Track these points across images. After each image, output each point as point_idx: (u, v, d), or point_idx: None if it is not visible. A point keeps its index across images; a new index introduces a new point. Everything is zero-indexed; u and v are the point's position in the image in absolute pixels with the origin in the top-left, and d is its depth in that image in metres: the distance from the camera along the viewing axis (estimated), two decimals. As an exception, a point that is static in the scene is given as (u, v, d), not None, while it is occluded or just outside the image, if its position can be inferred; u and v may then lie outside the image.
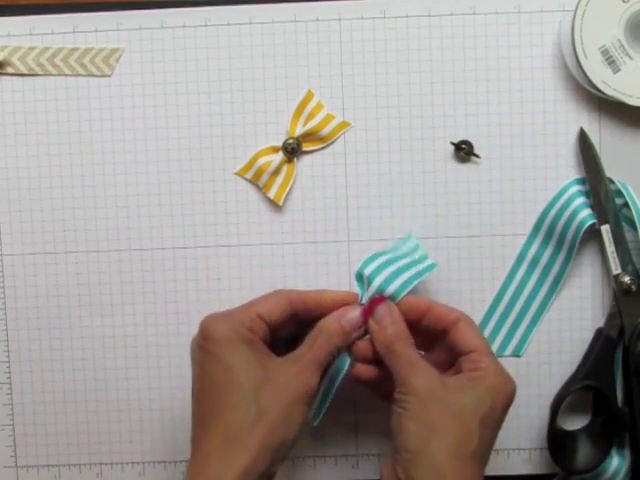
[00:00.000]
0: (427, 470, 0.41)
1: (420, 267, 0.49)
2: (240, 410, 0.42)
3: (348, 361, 0.48)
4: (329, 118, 0.55)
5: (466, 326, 0.47)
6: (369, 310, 0.47)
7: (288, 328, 0.48)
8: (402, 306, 0.47)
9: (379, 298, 0.47)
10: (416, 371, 0.44)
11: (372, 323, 0.47)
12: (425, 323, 0.48)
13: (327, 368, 0.48)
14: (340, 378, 0.49)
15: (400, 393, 0.44)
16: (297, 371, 0.44)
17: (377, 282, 0.48)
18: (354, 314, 0.47)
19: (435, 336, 0.48)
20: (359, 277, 0.49)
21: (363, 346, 0.48)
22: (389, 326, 0.46)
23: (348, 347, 0.48)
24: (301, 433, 0.44)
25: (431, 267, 0.49)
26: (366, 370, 0.48)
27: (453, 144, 0.54)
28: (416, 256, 0.51)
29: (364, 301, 0.48)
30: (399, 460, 0.43)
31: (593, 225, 0.53)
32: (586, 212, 0.53)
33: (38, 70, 0.55)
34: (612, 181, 0.53)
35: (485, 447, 0.44)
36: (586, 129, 0.54)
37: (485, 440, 0.43)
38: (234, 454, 0.41)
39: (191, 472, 0.42)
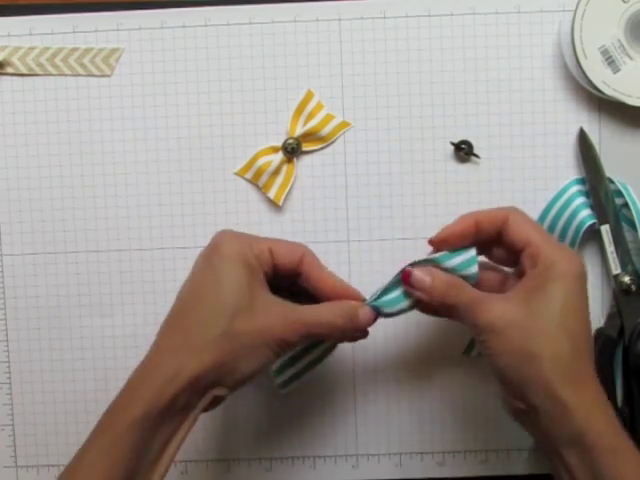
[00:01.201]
0: (540, 396, 0.41)
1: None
2: (210, 323, 0.42)
3: (334, 348, 0.48)
4: (329, 118, 0.55)
5: (515, 222, 0.45)
6: (405, 280, 0.45)
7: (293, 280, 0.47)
8: (448, 234, 0.46)
9: (408, 271, 0.45)
10: (479, 310, 0.43)
11: (415, 292, 0.45)
12: (481, 235, 0.46)
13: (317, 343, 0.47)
14: (323, 360, 0.49)
15: (478, 335, 0.43)
16: (282, 318, 0.43)
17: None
18: (369, 313, 0.45)
19: (497, 242, 0.46)
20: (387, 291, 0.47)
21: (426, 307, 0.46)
22: (429, 286, 0.44)
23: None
24: (257, 374, 0.43)
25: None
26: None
27: (453, 144, 0.54)
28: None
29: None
30: (510, 391, 0.43)
31: (593, 225, 0.53)
32: (586, 212, 0.53)
33: (38, 70, 0.55)
34: (612, 181, 0.53)
35: (585, 342, 0.42)
36: (586, 129, 0.54)
37: (582, 335, 0.42)
38: (188, 359, 0.41)
39: (142, 367, 0.42)
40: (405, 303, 0.46)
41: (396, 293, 0.46)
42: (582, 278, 0.43)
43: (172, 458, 0.42)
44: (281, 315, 0.43)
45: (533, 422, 0.43)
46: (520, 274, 0.45)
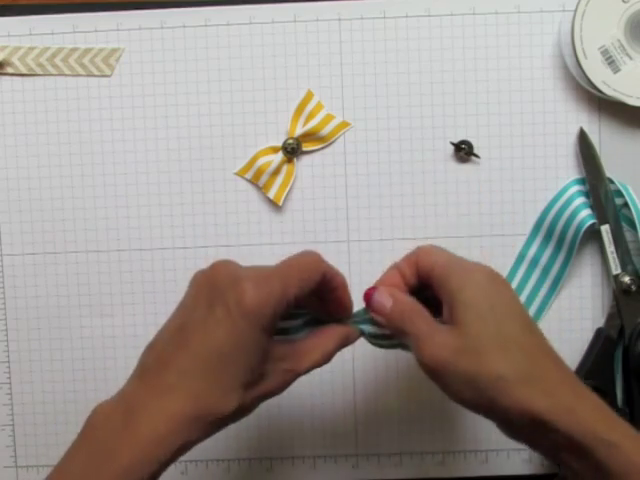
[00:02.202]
0: (519, 416, 0.38)
1: None
2: (226, 397, 0.38)
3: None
4: (329, 118, 0.55)
5: (422, 254, 0.43)
6: (366, 301, 0.44)
7: None
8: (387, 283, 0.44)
9: (368, 292, 0.44)
10: (422, 346, 0.40)
11: (373, 315, 0.43)
12: (410, 280, 0.44)
13: None
14: None
15: (430, 376, 0.41)
16: (280, 379, 0.40)
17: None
18: (354, 339, 0.44)
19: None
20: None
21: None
22: (388, 312, 0.42)
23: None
24: None
25: None
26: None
27: (453, 144, 0.54)
28: None
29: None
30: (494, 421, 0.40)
31: (593, 225, 0.53)
32: (586, 212, 0.53)
33: (38, 70, 0.55)
34: (612, 181, 0.53)
35: (535, 345, 0.39)
36: (586, 129, 0.54)
37: (529, 340, 0.39)
38: (196, 434, 0.38)
39: (143, 412, 0.38)
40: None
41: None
42: (490, 276, 0.40)
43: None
44: (282, 375, 0.40)
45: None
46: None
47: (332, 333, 0.43)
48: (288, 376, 0.41)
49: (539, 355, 0.39)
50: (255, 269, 0.40)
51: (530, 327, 0.40)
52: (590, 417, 0.37)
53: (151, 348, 0.40)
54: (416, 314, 0.41)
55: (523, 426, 0.38)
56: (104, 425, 0.39)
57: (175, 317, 0.41)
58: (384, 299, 0.42)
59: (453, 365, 0.39)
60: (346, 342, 0.44)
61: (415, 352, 0.41)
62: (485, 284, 0.40)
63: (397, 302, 0.42)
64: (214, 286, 0.39)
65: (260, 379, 0.40)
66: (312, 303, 0.43)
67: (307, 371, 0.42)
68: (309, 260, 0.41)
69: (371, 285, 0.44)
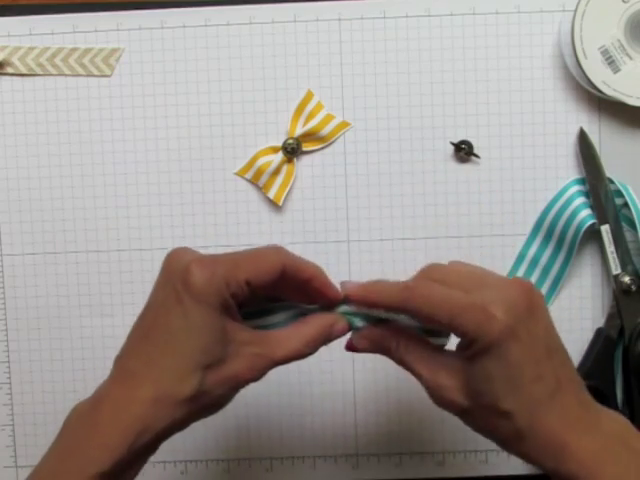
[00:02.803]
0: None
1: None
2: (181, 381, 0.38)
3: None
4: (329, 118, 0.55)
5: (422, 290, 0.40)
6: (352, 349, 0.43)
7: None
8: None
9: (349, 342, 0.43)
10: (431, 393, 0.40)
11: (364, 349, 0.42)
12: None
13: None
14: None
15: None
16: (250, 362, 0.40)
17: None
18: (343, 329, 0.42)
19: None
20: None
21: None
22: (370, 283, 0.42)
23: None
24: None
25: None
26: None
27: (453, 144, 0.54)
28: None
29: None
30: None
31: (593, 225, 0.53)
32: (586, 212, 0.53)
33: (38, 70, 0.55)
34: (612, 181, 0.53)
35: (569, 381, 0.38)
36: (586, 129, 0.54)
37: (535, 355, 0.38)
38: (159, 417, 0.38)
39: (106, 406, 0.39)
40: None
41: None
42: (529, 300, 0.38)
43: None
44: (249, 358, 0.40)
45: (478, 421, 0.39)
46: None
47: (313, 321, 0.42)
48: (259, 361, 0.40)
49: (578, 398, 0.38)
50: (208, 254, 0.40)
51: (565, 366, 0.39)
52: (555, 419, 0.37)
53: (124, 343, 0.41)
54: (406, 350, 0.41)
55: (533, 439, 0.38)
56: (75, 421, 0.40)
57: (143, 308, 0.42)
58: (362, 345, 0.42)
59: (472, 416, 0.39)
60: (331, 331, 0.42)
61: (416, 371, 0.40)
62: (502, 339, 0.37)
63: (374, 343, 0.42)
64: (167, 272, 0.41)
65: (222, 362, 0.39)
66: (296, 296, 0.42)
67: (286, 359, 0.41)
68: (267, 251, 0.41)
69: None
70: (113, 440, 0.38)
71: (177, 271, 0.39)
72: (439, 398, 0.40)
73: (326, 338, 0.42)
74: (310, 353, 0.42)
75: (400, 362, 0.41)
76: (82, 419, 0.40)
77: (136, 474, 0.40)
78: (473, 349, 0.38)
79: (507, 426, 0.38)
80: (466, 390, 0.39)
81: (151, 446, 0.40)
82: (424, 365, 0.40)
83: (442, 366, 0.40)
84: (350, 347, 0.43)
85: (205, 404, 0.40)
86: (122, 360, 0.40)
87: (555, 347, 0.39)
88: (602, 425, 0.38)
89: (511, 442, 0.38)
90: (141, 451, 0.39)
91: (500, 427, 0.38)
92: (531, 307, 0.38)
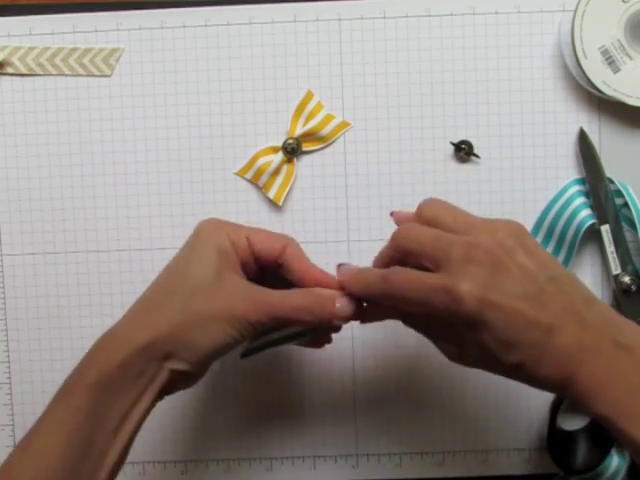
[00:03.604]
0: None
1: None
2: (168, 295, 0.43)
3: (312, 334, 0.46)
4: (329, 118, 0.55)
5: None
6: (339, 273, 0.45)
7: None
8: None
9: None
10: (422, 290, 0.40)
11: (346, 283, 0.44)
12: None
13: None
14: (291, 341, 0.47)
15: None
16: (246, 298, 0.43)
17: None
18: (348, 303, 0.44)
19: None
20: None
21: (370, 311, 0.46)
22: (355, 273, 0.44)
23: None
24: (217, 353, 0.43)
25: None
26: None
27: (453, 144, 0.54)
28: None
29: None
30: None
31: (593, 225, 0.53)
32: (586, 212, 0.53)
33: (38, 70, 0.55)
34: (612, 181, 0.53)
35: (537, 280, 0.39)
36: (586, 129, 0.54)
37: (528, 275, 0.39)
38: (142, 327, 0.42)
39: (107, 332, 0.44)
40: None
41: None
42: (515, 231, 0.40)
43: (134, 430, 0.42)
44: (246, 296, 0.43)
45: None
46: None
47: (307, 290, 0.44)
48: (264, 307, 0.43)
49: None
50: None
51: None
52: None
53: None
54: (403, 276, 0.41)
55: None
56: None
57: None
58: (350, 267, 0.46)
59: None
60: (326, 304, 0.44)
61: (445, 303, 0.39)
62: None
63: (358, 270, 0.45)
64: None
65: (212, 288, 0.43)
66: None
67: (291, 312, 0.43)
68: (277, 233, 0.46)
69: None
70: (95, 356, 0.42)
71: (194, 229, 0.46)
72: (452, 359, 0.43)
73: (324, 304, 0.44)
74: (308, 313, 0.43)
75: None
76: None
77: (139, 402, 0.42)
78: (457, 327, 0.39)
79: (514, 370, 0.39)
80: (469, 353, 0.41)
81: (144, 368, 0.42)
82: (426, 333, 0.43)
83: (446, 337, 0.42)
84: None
85: (192, 324, 0.42)
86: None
87: (540, 284, 0.39)
88: (603, 347, 0.38)
89: (519, 377, 0.40)
90: (130, 370, 0.41)
91: (509, 372, 0.40)
92: (499, 262, 0.38)
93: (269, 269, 0.46)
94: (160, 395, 0.43)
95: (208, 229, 0.45)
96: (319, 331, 0.46)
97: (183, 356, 0.42)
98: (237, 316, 0.42)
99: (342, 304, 0.44)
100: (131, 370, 0.41)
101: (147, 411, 0.42)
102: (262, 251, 0.45)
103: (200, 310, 0.42)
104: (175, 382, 0.43)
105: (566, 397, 0.40)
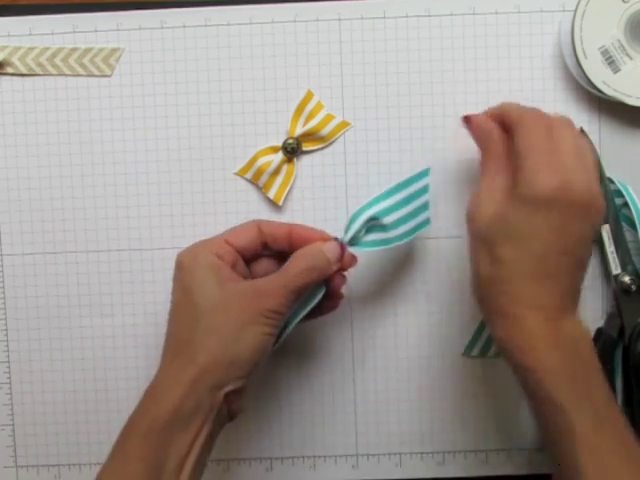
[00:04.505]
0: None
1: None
2: (190, 326, 0.43)
3: (322, 292, 0.48)
4: (329, 118, 0.55)
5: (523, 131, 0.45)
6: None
7: (266, 262, 0.49)
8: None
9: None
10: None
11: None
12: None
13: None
14: (309, 309, 0.48)
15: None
16: (257, 293, 0.44)
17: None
18: (334, 245, 0.47)
19: None
20: (352, 220, 0.49)
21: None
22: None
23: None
24: (261, 355, 0.44)
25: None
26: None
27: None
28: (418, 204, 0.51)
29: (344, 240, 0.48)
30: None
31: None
32: (586, 212, 0.53)
33: (38, 70, 0.55)
34: (612, 181, 0.53)
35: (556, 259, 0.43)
36: (586, 129, 0.54)
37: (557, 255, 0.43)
38: (181, 366, 0.42)
39: (148, 387, 0.44)
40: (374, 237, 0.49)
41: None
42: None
43: (198, 463, 0.42)
44: (257, 291, 0.44)
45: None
46: None
47: (298, 253, 0.46)
48: (277, 291, 0.44)
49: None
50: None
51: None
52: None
53: None
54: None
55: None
56: None
57: None
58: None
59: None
60: (320, 247, 0.47)
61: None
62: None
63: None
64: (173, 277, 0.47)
65: (228, 303, 0.44)
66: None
67: (300, 278, 0.45)
68: (245, 222, 0.49)
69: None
70: (146, 404, 0.43)
71: (175, 265, 0.47)
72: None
73: (322, 260, 0.46)
74: (315, 270, 0.46)
75: None
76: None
77: (199, 436, 0.43)
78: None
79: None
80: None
81: (198, 404, 0.42)
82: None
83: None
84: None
85: (227, 340, 0.42)
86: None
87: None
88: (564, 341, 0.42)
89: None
90: (183, 410, 0.42)
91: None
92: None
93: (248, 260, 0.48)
94: (221, 423, 0.44)
95: (186, 255, 0.46)
96: (328, 288, 0.48)
97: (233, 375, 0.43)
98: (262, 312, 0.43)
99: (329, 250, 0.47)
100: (184, 409, 0.41)
101: (209, 442, 0.43)
102: (244, 244, 0.47)
103: (227, 325, 0.43)
104: (232, 402, 0.44)
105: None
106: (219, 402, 0.43)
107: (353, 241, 0.49)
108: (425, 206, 0.50)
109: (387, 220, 0.49)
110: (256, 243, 0.48)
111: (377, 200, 0.49)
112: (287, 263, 0.46)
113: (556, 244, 0.42)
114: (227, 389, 0.43)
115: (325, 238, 0.48)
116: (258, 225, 0.48)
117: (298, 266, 0.45)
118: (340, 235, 0.48)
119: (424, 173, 0.50)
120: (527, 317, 0.41)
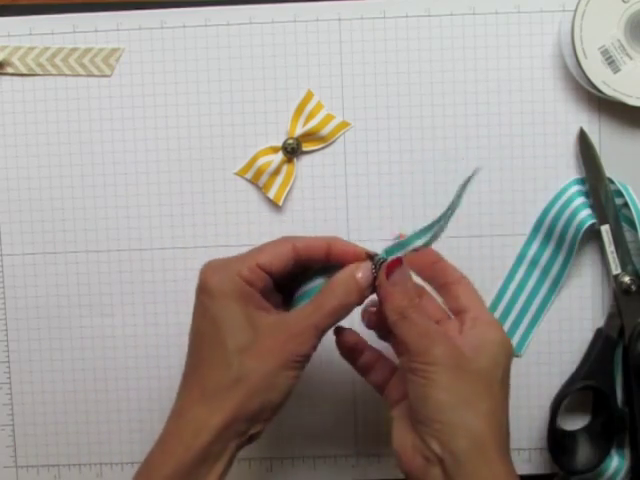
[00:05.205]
0: (467, 442, 0.40)
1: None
2: (220, 370, 0.41)
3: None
4: (329, 118, 0.55)
5: (468, 286, 0.45)
6: (388, 270, 0.43)
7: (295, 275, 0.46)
8: (411, 257, 0.45)
9: (397, 260, 0.43)
10: (437, 340, 0.41)
11: (387, 285, 0.42)
12: (428, 275, 0.45)
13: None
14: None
15: (420, 363, 0.41)
16: (289, 335, 0.41)
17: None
18: (368, 268, 0.43)
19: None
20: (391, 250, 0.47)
21: (367, 315, 0.46)
22: (405, 291, 0.42)
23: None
24: (289, 395, 0.42)
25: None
26: (352, 336, 0.46)
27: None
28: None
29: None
30: (429, 432, 0.40)
31: (593, 225, 0.53)
32: (586, 212, 0.53)
33: (38, 70, 0.55)
34: (612, 181, 0.53)
35: (505, 409, 0.43)
36: (586, 129, 0.54)
37: (505, 402, 0.43)
38: (210, 412, 0.41)
39: (169, 423, 0.42)
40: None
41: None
42: (511, 351, 0.44)
43: None
44: (288, 333, 0.41)
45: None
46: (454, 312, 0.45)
47: (335, 280, 0.43)
48: (309, 332, 0.42)
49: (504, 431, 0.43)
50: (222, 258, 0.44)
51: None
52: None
53: None
54: (423, 310, 0.43)
55: (452, 464, 0.41)
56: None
57: None
58: (407, 279, 0.43)
59: (452, 370, 0.41)
60: (356, 287, 0.43)
61: (419, 342, 0.41)
62: (506, 352, 0.43)
63: (412, 289, 0.43)
64: (196, 290, 0.44)
65: (254, 343, 0.41)
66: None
67: (332, 318, 0.42)
68: (275, 239, 0.45)
69: None
70: (171, 445, 0.41)
71: (199, 281, 0.43)
72: None
73: (356, 288, 0.43)
74: (347, 306, 0.43)
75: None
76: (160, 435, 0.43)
77: (219, 478, 0.41)
78: None
79: None
80: None
81: (223, 447, 0.41)
82: None
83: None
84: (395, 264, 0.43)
85: (257, 387, 0.41)
86: (182, 379, 0.44)
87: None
88: None
89: None
90: (209, 455, 0.40)
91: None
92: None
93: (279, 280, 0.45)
94: (240, 449, 0.43)
95: (214, 278, 0.42)
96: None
97: (262, 419, 0.42)
98: (295, 357, 0.41)
99: (364, 275, 0.43)
100: (212, 453, 0.41)
101: (227, 470, 0.42)
102: (278, 268, 0.43)
103: (258, 372, 0.41)
104: (255, 436, 0.43)
105: None
106: (245, 441, 0.42)
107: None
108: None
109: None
110: (290, 264, 0.43)
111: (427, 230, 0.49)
112: (319, 295, 0.43)
113: None
114: (254, 431, 0.42)
115: (361, 255, 0.44)
116: (293, 243, 0.43)
117: (330, 304, 0.42)
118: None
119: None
120: None
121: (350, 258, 0.44)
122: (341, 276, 0.43)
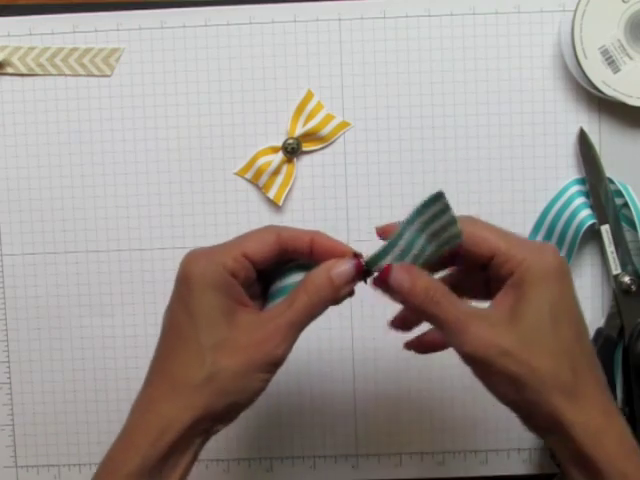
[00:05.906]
0: (545, 419, 0.38)
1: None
2: (192, 366, 0.40)
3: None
4: (329, 118, 0.55)
5: (471, 234, 0.41)
6: (381, 281, 0.41)
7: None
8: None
9: (387, 268, 0.41)
10: (464, 339, 0.38)
11: (391, 294, 0.41)
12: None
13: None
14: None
15: (466, 363, 0.40)
16: (264, 335, 0.40)
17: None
18: (346, 266, 0.41)
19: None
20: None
21: (397, 320, 0.44)
22: (414, 283, 0.40)
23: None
24: (256, 399, 0.42)
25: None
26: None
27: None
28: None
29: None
30: (516, 413, 0.40)
31: (593, 225, 0.53)
32: (586, 212, 0.53)
33: (38, 70, 0.55)
34: (612, 181, 0.53)
35: (582, 354, 0.39)
36: (586, 129, 0.54)
37: (579, 346, 0.39)
38: (179, 409, 0.39)
39: (134, 416, 0.41)
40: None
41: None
42: (563, 272, 0.39)
43: None
44: (264, 333, 0.40)
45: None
46: (494, 282, 0.41)
47: (309, 277, 0.41)
48: (284, 331, 0.40)
49: (585, 369, 0.39)
50: (204, 246, 0.42)
51: (583, 336, 0.40)
52: (614, 443, 0.38)
53: None
54: (443, 294, 0.39)
55: (550, 432, 0.39)
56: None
57: None
58: (408, 271, 0.40)
59: (500, 365, 0.38)
60: (332, 284, 0.41)
61: (453, 341, 0.39)
62: (555, 278, 0.39)
63: (422, 276, 0.40)
64: (175, 278, 0.42)
65: (231, 340, 0.40)
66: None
67: (305, 315, 0.40)
68: (260, 228, 0.42)
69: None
70: (137, 440, 0.39)
71: (178, 274, 0.41)
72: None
73: (328, 292, 0.40)
74: (324, 302, 0.40)
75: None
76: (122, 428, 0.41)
77: (183, 473, 0.41)
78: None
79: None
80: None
81: (188, 443, 0.40)
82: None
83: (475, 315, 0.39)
84: (384, 275, 0.41)
85: (228, 387, 0.40)
86: (150, 368, 0.42)
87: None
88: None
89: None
90: (175, 451, 0.40)
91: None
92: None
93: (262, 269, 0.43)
94: (204, 444, 0.42)
95: (196, 267, 0.40)
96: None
97: (228, 419, 0.41)
98: (269, 360, 0.40)
99: (339, 272, 0.41)
100: (177, 449, 0.40)
101: (189, 468, 0.42)
102: (263, 258, 0.41)
103: (229, 371, 0.40)
104: (219, 430, 0.42)
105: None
106: (209, 437, 0.41)
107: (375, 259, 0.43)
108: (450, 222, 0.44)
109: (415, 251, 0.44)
110: (274, 254, 0.41)
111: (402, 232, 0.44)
112: (293, 292, 0.41)
113: None
114: (220, 428, 0.42)
115: (346, 252, 0.42)
116: (277, 232, 0.41)
117: (302, 301, 0.40)
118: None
119: (436, 197, 0.44)
120: None
121: (333, 255, 0.42)
122: (315, 272, 0.41)
